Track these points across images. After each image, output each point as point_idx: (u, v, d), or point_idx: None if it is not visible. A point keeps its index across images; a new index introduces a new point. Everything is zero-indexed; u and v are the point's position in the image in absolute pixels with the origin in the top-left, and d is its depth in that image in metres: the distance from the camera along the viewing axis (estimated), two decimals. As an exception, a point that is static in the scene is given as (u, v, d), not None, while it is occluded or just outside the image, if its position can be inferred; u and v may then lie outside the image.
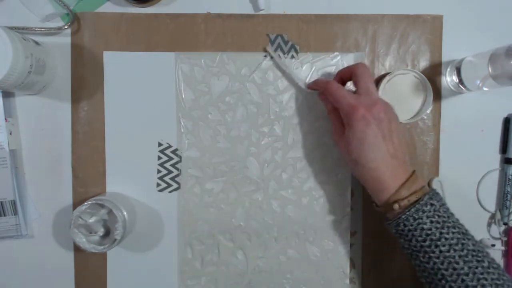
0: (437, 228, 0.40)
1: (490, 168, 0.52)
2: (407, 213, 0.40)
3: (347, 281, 0.52)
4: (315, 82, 0.49)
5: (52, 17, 0.50)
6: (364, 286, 0.52)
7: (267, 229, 0.52)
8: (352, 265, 0.52)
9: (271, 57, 0.51)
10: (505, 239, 0.52)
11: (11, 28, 0.48)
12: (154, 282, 0.52)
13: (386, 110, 0.43)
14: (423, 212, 0.40)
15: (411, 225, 0.41)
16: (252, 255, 0.52)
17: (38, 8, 0.50)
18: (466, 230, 0.42)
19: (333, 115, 0.47)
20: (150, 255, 0.52)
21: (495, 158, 0.53)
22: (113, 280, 0.52)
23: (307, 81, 0.51)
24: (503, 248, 0.53)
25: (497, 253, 0.53)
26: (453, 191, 0.52)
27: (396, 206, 0.41)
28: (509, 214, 0.52)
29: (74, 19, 0.50)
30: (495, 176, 0.53)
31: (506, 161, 0.52)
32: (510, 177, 0.51)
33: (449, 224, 0.41)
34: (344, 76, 0.47)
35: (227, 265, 0.52)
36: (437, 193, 0.43)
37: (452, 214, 0.42)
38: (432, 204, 0.41)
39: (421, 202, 0.41)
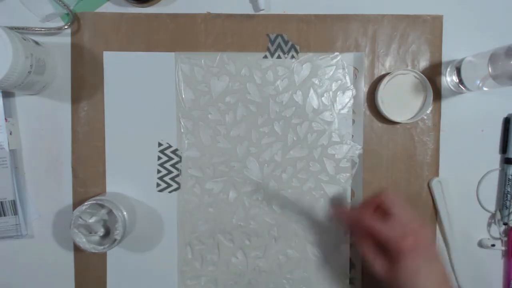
0: None
1: (490, 168, 0.52)
2: None
3: (347, 281, 0.52)
4: (345, 215, 0.49)
5: (52, 17, 0.50)
6: (364, 286, 0.52)
7: (267, 229, 0.52)
8: (352, 265, 0.52)
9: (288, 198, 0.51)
10: (505, 239, 0.52)
11: (11, 28, 0.48)
12: (154, 282, 0.52)
13: (429, 234, 0.44)
14: None
15: None
16: (252, 255, 0.52)
17: (38, 8, 0.50)
18: None
19: (365, 245, 0.46)
20: (150, 255, 0.52)
21: (495, 158, 0.53)
22: (113, 280, 0.52)
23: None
24: (503, 248, 0.52)
25: (497, 253, 0.53)
26: (453, 191, 0.52)
27: None
28: (509, 214, 0.52)
29: (74, 19, 0.50)
30: (495, 176, 0.53)
31: (506, 161, 0.52)
32: (510, 177, 0.51)
33: None
34: (372, 204, 0.46)
35: (227, 265, 0.52)
36: None
37: None
38: None
39: None
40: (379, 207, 0.46)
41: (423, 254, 0.42)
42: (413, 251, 0.42)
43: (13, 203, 0.50)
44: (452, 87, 0.51)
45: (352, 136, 0.52)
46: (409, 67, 0.52)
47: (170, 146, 0.52)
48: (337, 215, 0.50)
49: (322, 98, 0.52)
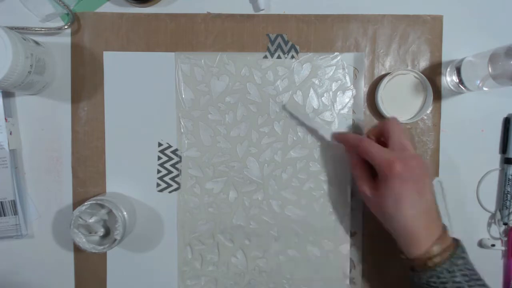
0: (466, 281, 0.41)
1: (490, 168, 0.52)
2: (443, 265, 0.41)
3: (347, 281, 0.52)
4: (344, 138, 0.49)
5: (52, 17, 0.50)
6: (364, 287, 0.52)
7: (267, 229, 0.52)
8: (352, 265, 0.52)
9: (290, 114, 0.51)
10: (505, 239, 0.52)
11: (11, 28, 0.48)
12: (154, 282, 0.52)
13: (422, 166, 0.43)
14: (457, 266, 0.41)
15: (444, 278, 0.41)
16: (252, 255, 0.52)
17: (38, 8, 0.50)
18: (485, 282, 0.43)
19: (359, 169, 0.46)
20: (150, 255, 0.52)
21: (495, 158, 0.53)
22: (113, 280, 0.52)
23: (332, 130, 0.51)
24: (503, 248, 0.52)
25: (497, 253, 0.53)
26: (453, 191, 0.52)
27: (430, 263, 0.42)
28: (509, 214, 0.52)
29: (74, 19, 0.50)
30: (495, 176, 0.53)
31: (506, 161, 0.52)
32: (510, 177, 0.51)
33: (475, 277, 0.42)
34: (374, 133, 0.48)
35: (227, 265, 0.52)
36: (462, 244, 0.44)
37: (473, 265, 0.43)
38: (463, 258, 0.42)
39: (455, 256, 0.42)
40: (380, 137, 0.47)
41: (410, 184, 0.41)
42: (399, 177, 0.41)
43: (13, 203, 0.50)
44: (452, 87, 0.51)
45: (352, 136, 0.52)
46: (409, 67, 0.52)
47: (170, 146, 0.52)
48: (338, 138, 0.49)
49: (322, 98, 0.52)
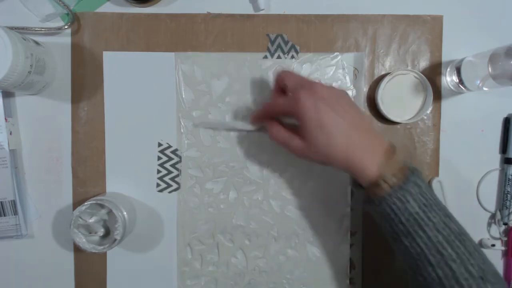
0: (423, 211, 0.38)
1: (490, 168, 0.52)
2: (393, 194, 0.38)
3: (347, 281, 0.52)
4: (258, 118, 0.48)
5: (52, 17, 0.50)
6: (364, 287, 0.52)
7: (267, 229, 0.52)
8: (352, 265, 0.52)
9: (207, 127, 0.51)
10: (505, 239, 0.53)
11: (11, 28, 0.48)
12: (154, 282, 0.52)
13: (328, 88, 0.41)
14: (410, 194, 0.38)
15: (398, 208, 0.38)
16: (252, 255, 0.52)
17: (38, 8, 0.50)
18: (449, 213, 0.40)
19: (281, 133, 0.44)
20: (150, 255, 0.52)
21: (495, 158, 0.53)
22: (113, 280, 0.52)
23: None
24: (503, 248, 0.53)
25: (497, 253, 0.53)
26: (453, 191, 0.52)
27: (385, 185, 0.38)
28: (509, 214, 0.52)
29: (74, 19, 0.50)
30: (495, 176, 0.53)
31: (506, 161, 0.52)
32: (510, 177, 0.51)
33: (435, 207, 0.38)
34: (275, 92, 0.46)
35: (227, 265, 0.52)
36: (419, 171, 0.40)
37: (435, 194, 0.40)
38: (418, 186, 0.38)
39: (406, 183, 0.38)
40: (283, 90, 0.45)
41: (324, 107, 0.39)
42: (310, 108, 0.39)
43: (13, 203, 0.50)
44: (452, 87, 0.51)
45: (352, 136, 0.52)
46: (409, 67, 0.52)
47: (170, 146, 0.52)
48: (253, 120, 0.48)
49: (322, 98, 0.51)
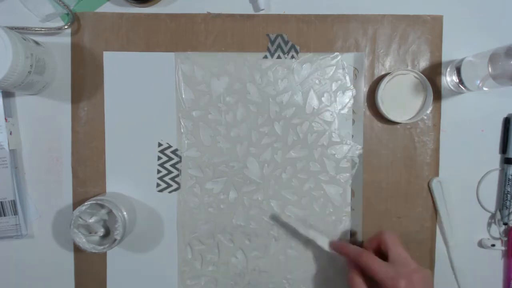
0: None
1: (490, 168, 0.52)
2: None
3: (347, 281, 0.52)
4: (344, 249, 0.49)
5: (52, 17, 0.50)
6: (364, 287, 0.52)
7: (267, 229, 0.52)
8: (352, 265, 0.52)
9: (282, 223, 0.51)
10: (505, 239, 0.52)
11: (11, 28, 0.48)
12: (154, 282, 0.52)
13: (425, 279, 0.43)
14: None
15: None
16: (252, 255, 0.52)
17: (38, 8, 0.50)
18: None
19: (358, 279, 0.46)
20: (150, 255, 0.52)
21: (495, 158, 0.53)
22: (113, 280, 0.52)
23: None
24: (503, 248, 0.52)
25: (497, 253, 0.53)
26: (453, 191, 0.52)
27: None
28: (509, 214, 0.52)
29: (74, 19, 0.50)
30: (495, 176, 0.53)
31: (506, 161, 0.52)
32: (510, 177, 0.51)
33: None
34: (373, 243, 0.48)
35: (227, 265, 0.52)
36: None
37: None
38: None
39: None
40: (379, 247, 0.47)
41: None
42: None
43: (13, 203, 0.50)
44: (452, 87, 0.51)
45: (352, 136, 0.52)
46: (409, 67, 0.52)
47: (170, 146, 0.52)
48: (337, 248, 0.49)
49: (322, 98, 0.52)
